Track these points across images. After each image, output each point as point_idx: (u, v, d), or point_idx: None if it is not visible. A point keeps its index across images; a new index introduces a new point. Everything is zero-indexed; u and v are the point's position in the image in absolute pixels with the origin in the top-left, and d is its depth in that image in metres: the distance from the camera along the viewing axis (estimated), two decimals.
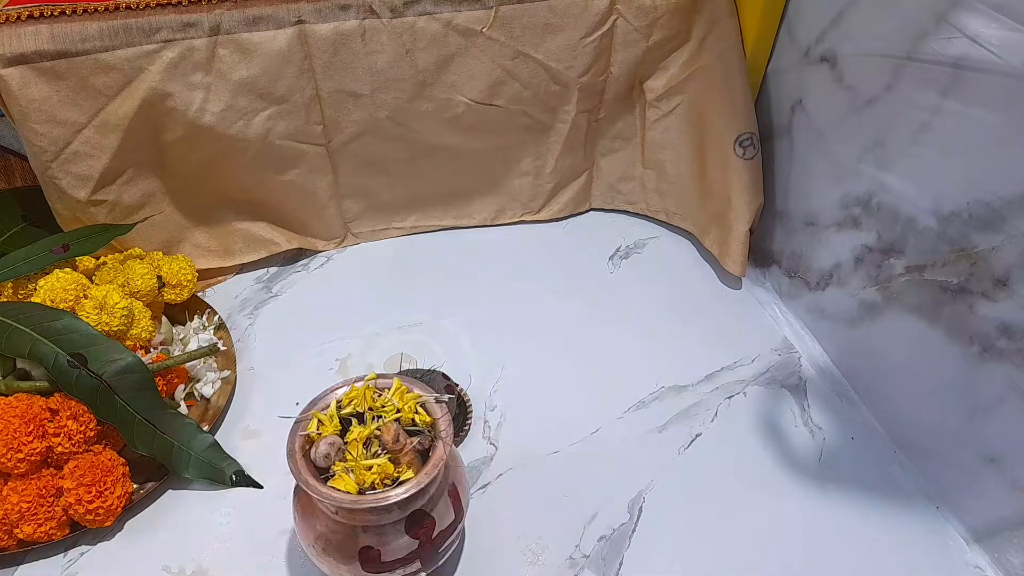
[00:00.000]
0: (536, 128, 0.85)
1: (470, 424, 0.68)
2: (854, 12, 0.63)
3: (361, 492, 0.47)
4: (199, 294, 0.80)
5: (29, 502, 0.56)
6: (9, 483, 0.57)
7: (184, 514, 0.62)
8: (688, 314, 0.80)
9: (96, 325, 0.63)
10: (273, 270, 0.86)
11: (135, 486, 0.62)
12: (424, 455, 0.50)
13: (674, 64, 0.81)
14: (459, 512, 0.53)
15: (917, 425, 0.64)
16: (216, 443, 0.64)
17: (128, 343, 0.67)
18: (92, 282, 0.69)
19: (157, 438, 0.61)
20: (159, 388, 0.63)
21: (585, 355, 0.76)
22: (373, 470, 0.48)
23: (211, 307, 0.78)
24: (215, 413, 0.68)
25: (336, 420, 0.50)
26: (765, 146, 0.79)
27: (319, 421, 0.50)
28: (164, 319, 0.75)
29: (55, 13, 0.67)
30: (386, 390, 0.52)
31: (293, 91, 0.74)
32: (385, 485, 0.48)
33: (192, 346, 0.73)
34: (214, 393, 0.70)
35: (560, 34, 0.77)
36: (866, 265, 0.67)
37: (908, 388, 0.65)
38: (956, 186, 0.56)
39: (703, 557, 0.59)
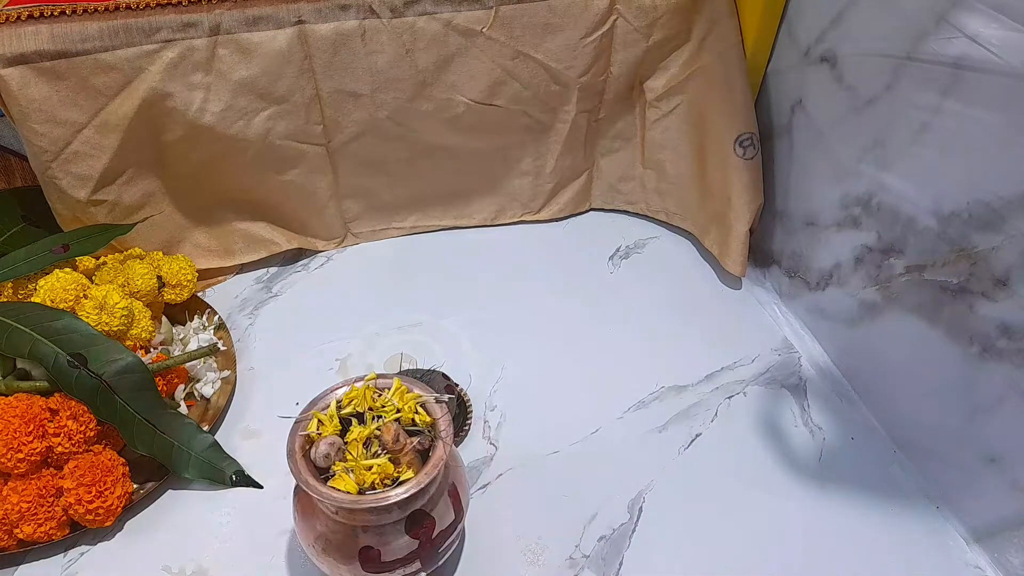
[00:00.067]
0: (536, 128, 0.85)
1: (470, 424, 0.68)
2: (854, 12, 0.63)
3: (361, 492, 0.47)
4: (199, 294, 0.80)
5: (29, 502, 0.56)
6: (9, 483, 0.57)
7: (184, 514, 0.62)
8: (688, 314, 0.80)
9: (96, 325, 0.63)
10: (273, 270, 0.86)
11: (135, 486, 0.62)
12: (424, 455, 0.50)
13: (674, 64, 0.81)
14: (459, 512, 0.53)
15: (917, 425, 0.64)
16: (216, 443, 0.64)
17: (128, 343, 0.67)
18: (92, 282, 0.69)
19: (157, 438, 0.61)
20: (159, 388, 0.63)
21: (585, 355, 0.76)
22: (373, 470, 0.48)
23: (211, 307, 0.78)
24: (215, 413, 0.68)
25: (336, 420, 0.50)
26: (765, 146, 0.79)
27: (319, 421, 0.50)
28: (164, 319, 0.75)
29: (55, 13, 0.67)
30: (386, 390, 0.52)
31: (293, 91, 0.74)
32: (385, 485, 0.48)
33: (192, 346, 0.73)
34: (214, 393, 0.70)
35: (560, 34, 0.77)
36: (866, 265, 0.67)
37: (908, 388, 0.65)
38: (956, 186, 0.56)
39: (703, 557, 0.59)
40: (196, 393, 0.70)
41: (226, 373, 0.71)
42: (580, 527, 0.61)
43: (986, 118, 0.52)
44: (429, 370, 0.71)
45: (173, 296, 0.74)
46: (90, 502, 0.57)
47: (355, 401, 0.51)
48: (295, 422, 0.50)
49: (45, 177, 0.71)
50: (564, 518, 0.61)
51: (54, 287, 0.65)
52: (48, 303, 0.64)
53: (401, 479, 0.48)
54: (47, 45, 0.65)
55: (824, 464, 0.66)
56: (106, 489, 0.58)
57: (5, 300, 0.68)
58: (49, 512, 0.57)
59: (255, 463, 0.65)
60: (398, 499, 0.46)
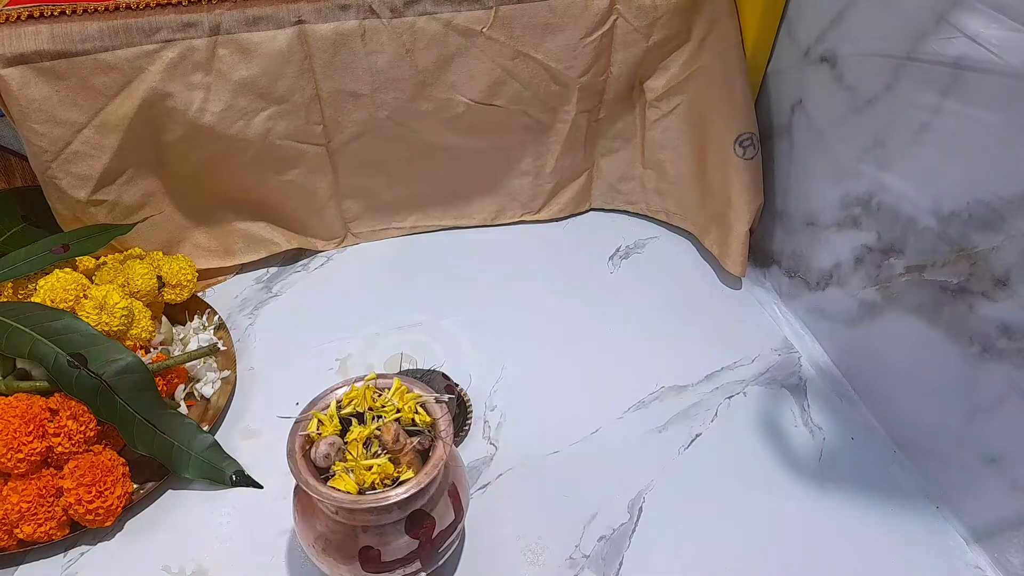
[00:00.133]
0: (536, 128, 0.85)
1: (470, 424, 0.68)
2: (854, 12, 0.63)
3: (361, 492, 0.47)
4: (199, 294, 0.80)
5: (29, 502, 0.56)
6: (9, 483, 0.57)
7: (184, 514, 0.62)
8: (688, 314, 0.80)
9: (96, 325, 0.63)
10: (273, 270, 0.86)
11: (135, 486, 0.62)
12: (424, 455, 0.50)
13: (674, 64, 0.81)
14: (459, 512, 0.53)
15: (917, 425, 0.64)
16: (216, 443, 0.64)
17: (128, 343, 0.67)
18: (92, 282, 0.69)
19: (157, 438, 0.61)
20: (159, 388, 0.63)
21: (585, 355, 0.76)
22: (373, 470, 0.48)
23: (211, 307, 0.78)
24: (215, 413, 0.68)
25: (336, 420, 0.50)
26: (765, 146, 0.79)
27: (319, 421, 0.50)
28: (164, 319, 0.75)
29: (55, 13, 0.67)
30: (386, 390, 0.52)
31: (293, 91, 0.74)
32: (385, 485, 0.48)
33: (192, 346, 0.73)
34: (214, 393, 0.70)
35: (560, 34, 0.77)
36: (866, 265, 0.67)
37: (908, 388, 0.65)
38: (956, 186, 0.56)
39: (703, 557, 0.59)
40: (196, 393, 0.70)
41: (226, 373, 0.71)
42: (580, 527, 0.61)
43: (986, 118, 0.52)
44: (429, 370, 0.71)
45: (173, 296, 0.74)
46: (90, 502, 0.57)
47: (355, 401, 0.51)
48: (295, 422, 0.50)
49: (45, 177, 0.71)
50: (564, 518, 0.61)
51: (54, 287, 0.65)
52: (48, 303, 0.64)
53: (401, 479, 0.48)
54: (47, 45, 0.65)
55: (824, 464, 0.66)
56: (106, 489, 0.58)
57: (5, 300, 0.68)
58: (49, 512, 0.57)
59: (255, 463, 0.65)
60: (398, 499, 0.46)
